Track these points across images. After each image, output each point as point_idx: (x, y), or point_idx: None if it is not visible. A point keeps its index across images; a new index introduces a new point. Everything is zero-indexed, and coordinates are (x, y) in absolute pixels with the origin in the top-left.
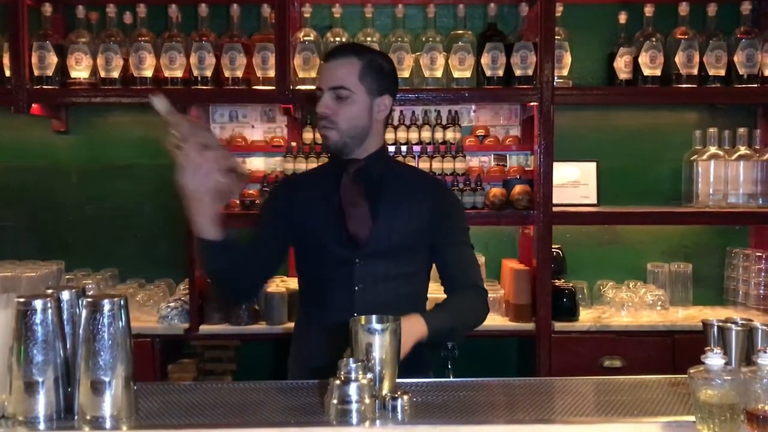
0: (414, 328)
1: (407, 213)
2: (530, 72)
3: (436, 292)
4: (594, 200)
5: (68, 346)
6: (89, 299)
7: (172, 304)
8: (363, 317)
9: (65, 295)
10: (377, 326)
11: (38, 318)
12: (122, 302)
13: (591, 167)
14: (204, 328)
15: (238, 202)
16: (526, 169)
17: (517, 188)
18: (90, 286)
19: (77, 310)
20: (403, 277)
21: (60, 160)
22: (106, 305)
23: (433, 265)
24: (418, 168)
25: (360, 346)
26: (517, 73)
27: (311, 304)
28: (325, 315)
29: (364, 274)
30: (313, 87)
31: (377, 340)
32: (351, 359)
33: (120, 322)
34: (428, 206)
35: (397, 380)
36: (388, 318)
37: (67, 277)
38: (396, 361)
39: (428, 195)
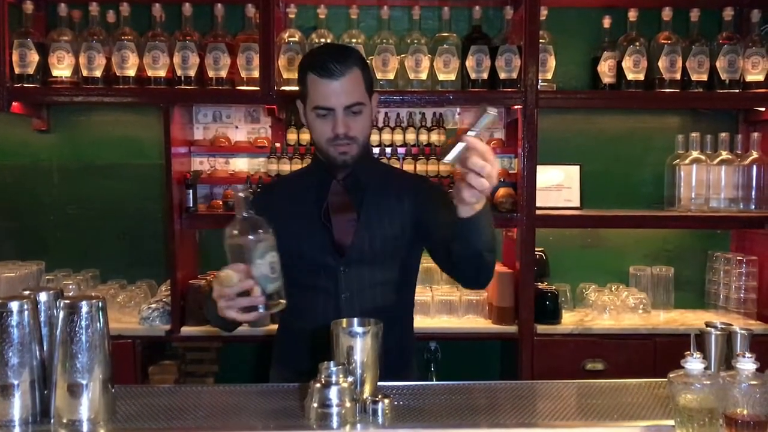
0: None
1: (389, 215)
2: (515, 75)
3: (423, 293)
4: (577, 203)
5: (45, 349)
6: (66, 301)
7: (153, 306)
8: (344, 320)
9: (43, 296)
10: (358, 329)
11: (14, 320)
12: (100, 304)
13: (574, 171)
14: (186, 330)
15: (221, 203)
16: (510, 172)
17: (501, 191)
18: (71, 286)
19: (55, 311)
20: (391, 283)
21: (41, 160)
22: (84, 307)
23: (421, 268)
24: (401, 169)
25: (341, 350)
26: (502, 76)
27: (295, 312)
28: (311, 322)
29: (350, 282)
30: (298, 88)
31: (358, 343)
32: (332, 362)
33: (98, 324)
34: (409, 201)
35: (379, 383)
36: (370, 321)
37: (47, 277)
38: (377, 364)
39: (409, 191)
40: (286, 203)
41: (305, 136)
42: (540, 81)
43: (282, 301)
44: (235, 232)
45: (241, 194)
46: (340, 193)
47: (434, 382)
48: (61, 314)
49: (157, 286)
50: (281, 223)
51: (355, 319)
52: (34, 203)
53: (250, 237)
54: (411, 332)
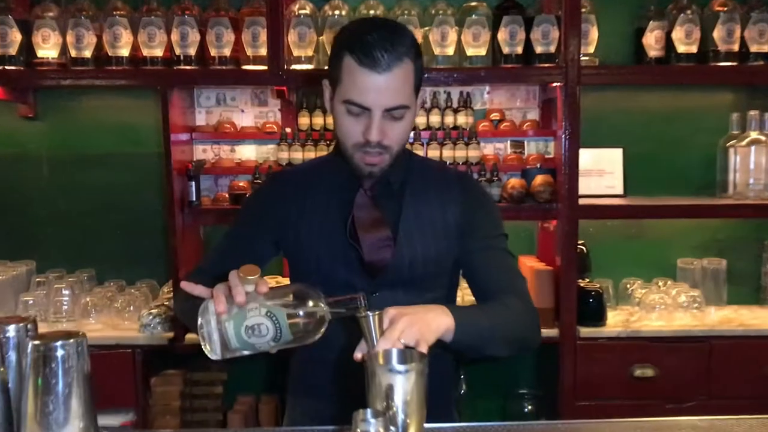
0: (436, 318)
1: (432, 227)
2: (552, 49)
3: None
4: (620, 190)
5: (11, 395)
6: (37, 342)
7: (154, 311)
8: (381, 353)
9: (11, 330)
10: (400, 367)
11: None
12: (80, 344)
13: (617, 154)
14: (190, 337)
15: (226, 196)
16: (547, 156)
17: (539, 179)
18: (64, 291)
19: (26, 348)
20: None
21: (29, 150)
22: (59, 350)
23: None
24: (439, 163)
25: (379, 390)
26: (538, 50)
27: (314, 346)
28: (334, 350)
29: (381, 307)
30: (310, 66)
31: (401, 382)
32: (369, 410)
33: (78, 369)
34: (454, 212)
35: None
36: (413, 355)
37: (38, 279)
38: (423, 406)
39: (453, 197)
40: (302, 202)
41: (318, 120)
42: (581, 55)
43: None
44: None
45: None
46: (368, 207)
47: (488, 424)
48: (31, 358)
49: (158, 287)
50: (299, 231)
51: (395, 351)
52: (22, 197)
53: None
54: (452, 362)
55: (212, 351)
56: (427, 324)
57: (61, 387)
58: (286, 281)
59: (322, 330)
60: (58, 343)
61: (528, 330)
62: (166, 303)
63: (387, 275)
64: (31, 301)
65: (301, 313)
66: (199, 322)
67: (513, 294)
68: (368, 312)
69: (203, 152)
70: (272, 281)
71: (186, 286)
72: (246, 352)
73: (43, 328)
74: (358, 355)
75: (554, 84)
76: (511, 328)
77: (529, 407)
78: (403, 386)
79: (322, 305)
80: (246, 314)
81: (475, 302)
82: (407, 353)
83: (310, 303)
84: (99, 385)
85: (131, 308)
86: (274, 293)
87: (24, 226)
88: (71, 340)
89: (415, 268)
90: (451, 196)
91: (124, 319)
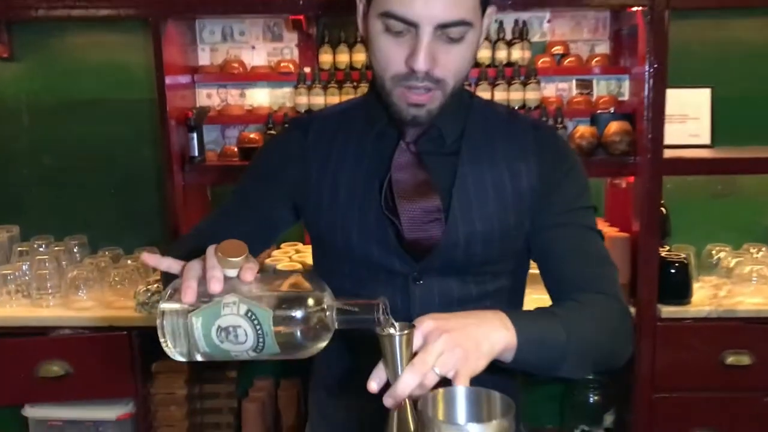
0: (490, 335)
1: (497, 196)
2: None
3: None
4: (706, 139)
5: None
6: None
7: (152, 287)
8: (438, 394)
9: None
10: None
11: None
12: None
13: (703, 96)
14: None
15: (236, 150)
16: (620, 99)
17: (613, 126)
18: (46, 264)
19: None
20: (491, 296)
21: (6, 96)
22: None
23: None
24: (508, 108)
25: None
26: None
27: (341, 340)
28: (364, 358)
29: (427, 298)
30: None
31: None
32: None
33: None
34: (527, 173)
35: None
36: (481, 394)
37: (20, 248)
38: None
39: (528, 154)
40: (326, 158)
41: (343, 57)
42: None
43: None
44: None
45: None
46: (411, 166)
47: None
48: None
49: (160, 255)
50: (317, 189)
51: (463, 391)
52: (0, 153)
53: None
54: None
55: (175, 349)
56: (475, 345)
57: None
58: (308, 252)
59: (322, 343)
60: None
61: (618, 342)
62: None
63: (435, 258)
64: (10, 275)
65: (294, 316)
66: (160, 308)
67: (600, 290)
68: (393, 328)
69: (207, 98)
70: (291, 249)
71: (148, 258)
72: (218, 359)
73: (25, 306)
74: (373, 385)
75: (634, 8)
76: (597, 341)
77: (595, 397)
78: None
79: (326, 310)
80: (220, 310)
81: (548, 296)
82: (473, 392)
83: (310, 303)
84: (92, 372)
85: (126, 282)
86: (264, 284)
87: (4, 185)
88: None
89: (473, 250)
90: (524, 152)
91: (120, 295)
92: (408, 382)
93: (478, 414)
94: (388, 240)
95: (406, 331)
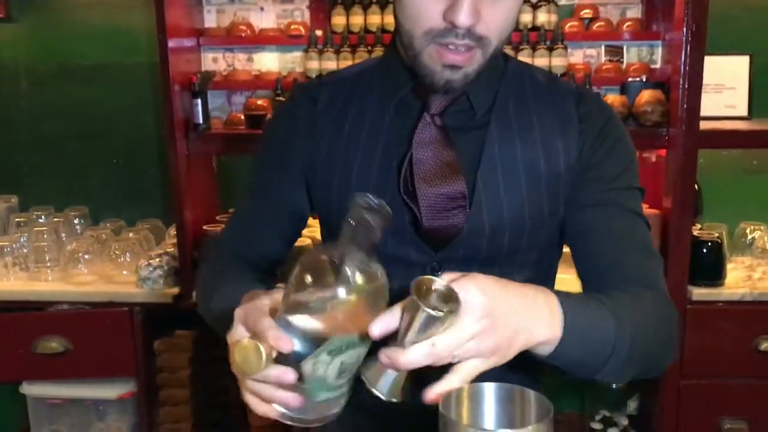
0: (531, 325)
1: (529, 176)
2: None
3: None
4: (744, 111)
5: None
6: None
7: (154, 261)
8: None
9: None
10: None
11: None
12: None
13: (742, 63)
14: None
15: (242, 117)
16: (652, 66)
17: (645, 95)
18: (45, 236)
19: None
20: None
21: (3, 59)
22: None
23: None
24: (548, 74)
25: None
26: None
27: None
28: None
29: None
30: None
31: None
32: None
33: None
34: (567, 149)
35: None
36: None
37: (18, 219)
38: None
39: (569, 125)
40: (335, 129)
41: (357, 19)
42: None
43: (332, 413)
44: (310, 278)
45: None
46: (436, 143)
47: None
48: None
49: (165, 228)
50: (326, 166)
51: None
52: None
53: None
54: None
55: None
56: (510, 339)
57: None
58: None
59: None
60: None
61: (665, 345)
62: (171, 250)
63: (457, 248)
64: (7, 247)
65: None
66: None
67: (647, 284)
68: (429, 307)
69: (213, 62)
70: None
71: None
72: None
73: (22, 279)
74: (375, 330)
75: None
76: (645, 341)
77: (618, 384)
78: None
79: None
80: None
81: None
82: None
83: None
84: (92, 349)
85: (128, 255)
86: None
87: (1, 153)
88: None
89: (500, 240)
90: (564, 126)
91: (122, 269)
92: (416, 360)
93: (509, 416)
94: (404, 228)
95: (446, 311)
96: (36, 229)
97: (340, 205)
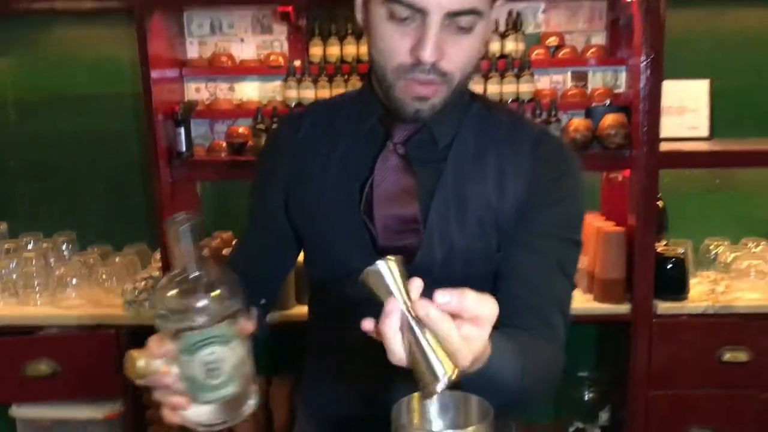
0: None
1: (480, 211)
2: None
3: None
4: (705, 132)
5: None
6: None
7: (140, 285)
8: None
9: None
10: None
11: None
12: None
13: (701, 87)
14: None
15: (224, 144)
16: (616, 91)
17: (608, 119)
18: (33, 262)
19: None
20: None
21: None
22: None
23: None
24: (513, 111)
25: None
26: None
27: (326, 339)
28: (349, 357)
29: None
30: None
31: None
32: None
33: None
34: (517, 189)
35: None
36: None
37: (7, 245)
38: None
39: (522, 167)
40: (319, 152)
41: (334, 50)
42: None
43: (231, 415)
44: (160, 300)
45: (181, 225)
46: (396, 170)
47: None
48: None
49: (150, 252)
50: (309, 188)
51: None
52: None
53: (173, 315)
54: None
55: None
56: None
57: None
58: None
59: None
60: None
61: (546, 392)
62: (156, 274)
63: (414, 270)
64: None
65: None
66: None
67: (538, 322)
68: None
69: (196, 92)
70: None
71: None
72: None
73: (12, 304)
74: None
75: None
76: (537, 379)
77: (590, 394)
78: None
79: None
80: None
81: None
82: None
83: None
84: (80, 371)
85: (115, 280)
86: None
87: None
88: None
89: (452, 268)
90: (519, 167)
91: (109, 292)
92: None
93: (454, 420)
94: (365, 245)
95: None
96: (25, 255)
97: (311, 224)
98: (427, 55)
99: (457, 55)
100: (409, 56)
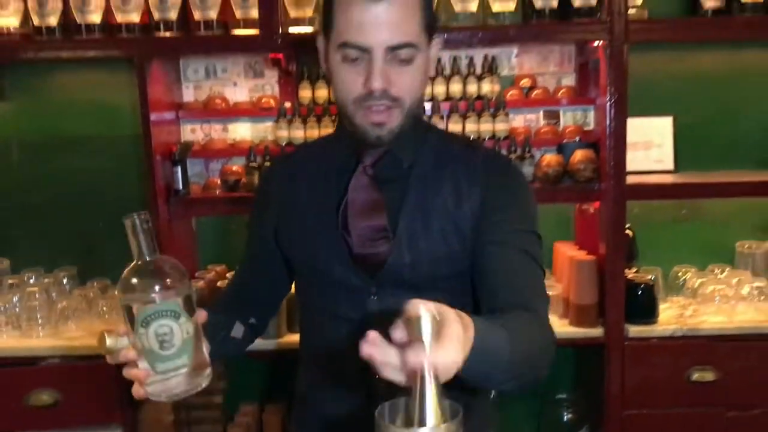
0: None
1: (442, 221)
2: (593, 1)
3: None
4: (670, 165)
5: None
6: None
7: None
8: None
9: None
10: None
11: None
12: None
13: (666, 123)
14: None
15: (218, 182)
16: (585, 129)
17: (578, 154)
18: (36, 295)
19: None
20: None
21: None
22: None
23: None
24: (465, 139)
25: None
26: (576, 2)
27: (314, 345)
28: (334, 361)
29: (382, 313)
30: (310, 29)
31: None
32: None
33: None
34: (474, 200)
35: None
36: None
37: (11, 281)
38: None
39: (476, 183)
40: (303, 185)
41: (322, 93)
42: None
43: (189, 385)
44: (121, 286)
45: (134, 220)
46: (365, 188)
47: None
48: None
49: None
50: (296, 214)
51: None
52: None
53: (130, 295)
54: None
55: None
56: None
57: None
58: None
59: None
60: None
61: (544, 366)
62: None
63: (387, 274)
64: (0, 307)
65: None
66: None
67: (518, 305)
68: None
69: (192, 132)
70: None
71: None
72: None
73: (15, 337)
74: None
75: (596, 43)
76: (531, 357)
77: (569, 415)
78: None
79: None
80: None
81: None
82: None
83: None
84: (81, 400)
85: (114, 313)
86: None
87: None
88: None
89: (421, 269)
90: (472, 177)
91: (108, 325)
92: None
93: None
94: (344, 256)
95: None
96: (28, 289)
97: (299, 244)
98: (377, 83)
99: (403, 83)
100: (362, 88)
